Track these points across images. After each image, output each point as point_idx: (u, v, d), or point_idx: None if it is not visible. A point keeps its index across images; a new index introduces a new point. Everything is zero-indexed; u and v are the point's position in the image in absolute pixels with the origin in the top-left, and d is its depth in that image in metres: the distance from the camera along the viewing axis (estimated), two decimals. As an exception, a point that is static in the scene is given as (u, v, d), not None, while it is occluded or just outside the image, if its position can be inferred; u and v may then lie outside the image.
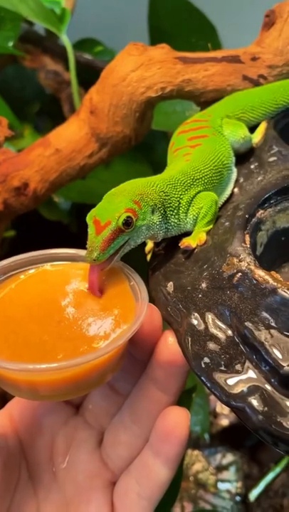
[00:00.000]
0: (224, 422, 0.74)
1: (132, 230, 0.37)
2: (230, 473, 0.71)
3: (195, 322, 0.34)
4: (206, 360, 0.32)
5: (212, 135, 0.45)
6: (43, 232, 0.86)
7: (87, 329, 0.34)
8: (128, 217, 0.36)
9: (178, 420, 0.36)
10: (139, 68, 0.50)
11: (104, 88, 0.51)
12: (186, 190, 0.40)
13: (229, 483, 0.70)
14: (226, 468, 0.71)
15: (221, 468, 0.71)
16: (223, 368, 0.31)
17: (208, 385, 0.31)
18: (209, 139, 0.44)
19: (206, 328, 0.33)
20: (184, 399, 0.36)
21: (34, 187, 0.54)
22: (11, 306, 0.35)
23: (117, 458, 0.39)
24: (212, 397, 0.74)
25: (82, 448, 0.40)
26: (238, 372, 0.31)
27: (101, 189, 0.75)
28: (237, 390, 0.30)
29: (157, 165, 0.85)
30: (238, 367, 0.31)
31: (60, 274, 0.38)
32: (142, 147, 0.82)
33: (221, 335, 0.33)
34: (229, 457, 0.72)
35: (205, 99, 0.51)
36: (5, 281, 0.37)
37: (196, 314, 0.34)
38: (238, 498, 0.69)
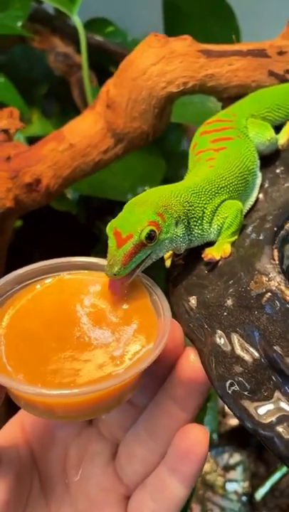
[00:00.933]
0: (232, 421, 0.74)
1: (154, 244, 0.35)
2: (237, 473, 0.71)
3: (220, 342, 0.33)
4: (232, 383, 0.31)
5: (237, 137, 0.43)
6: (50, 223, 0.85)
7: (108, 347, 0.33)
8: (151, 230, 0.35)
9: (197, 438, 0.36)
10: (160, 61, 0.48)
11: (123, 81, 0.49)
12: (211, 199, 0.39)
13: (236, 483, 0.70)
14: (233, 468, 0.71)
15: (228, 468, 0.71)
16: (249, 394, 0.30)
17: (235, 410, 0.30)
18: (234, 142, 0.43)
19: (232, 349, 0.32)
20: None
21: (47, 183, 0.52)
22: (27, 319, 0.34)
23: (132, 472, 0.39)
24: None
25: (96, 460, 0.39)
26: (265, 399, 0.30)
27: (113, 181, 0.74)
28: (266, 420, 0.29)
29: (170, 154, 0.83)
30: (265, 393, 0.30)
31: (79, 284, 0.37)
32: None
33: (247, 357, 0.32)
34: (236, 457, 0.72)
35: (228, 95, 0.50)
36: (20, 291, 0.36)
37: (221, 334, 0.33)
38: (244, 498, 0.70)
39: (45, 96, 0.94)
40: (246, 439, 0.74)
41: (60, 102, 0.93)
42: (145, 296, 0.36)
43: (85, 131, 0.52)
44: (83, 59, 0.79)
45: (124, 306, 0.35)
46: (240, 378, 0.31)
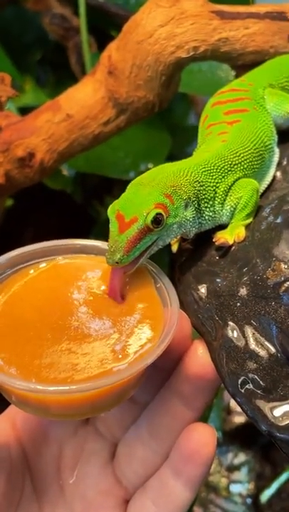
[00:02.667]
0: (238, 419, 0.73)
1: (161, 228, 0.34)
2: (241, 474, 0.71)
3: (232, 336, 0.32)
4: (245, 381, 0.30)
5: (253, 109, 0.42)
6: (43, 202, 0.84)
7: (109, 339, 0.32)
8: (158, 214, 0.33)
9: (203, 439, 0.35)
10: (169, 23, 0.46)
11: (127, 45, 0.47)
12: (223, 177, 0.37)
13: (241, 485, 0.70)
14: (237, 468, 0.71)
15: (232, 469, 0.71)
16: (264, 392, 0.30)
17: (248, 410, 0.29)
18: (249, 115, 0.41)
19: (246, 343, 0.31)
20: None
21: (41, 158, 0.51)
22: (20, 307, 0.33)
23: (132, 474, 0.38)
24: (226, 392, 0.73)
25: (93, 461, 0.39)
26: (282, 398, 0.29)
27: (112, 157, 0.72)
28: (282, 422, 0.28)
29: (175, 128, 0.81)
30: (282, 392, 0.29)
31: (76, 270, 0.36)
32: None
33: (262, 353, 0.31)
34: (241, 457, 0.72)
35: (243, 62, 0.48)
36: (12, 276, 0.35)
37: (233, 326, 0.32)
38: (248, 501, 0.70)
39: (39, 63, 0.92)
40: (252, 437, 0.74)
41: (56, 70, 0.91)
42: (150, 284, 0.35)
43: (84, 101, 0.51)
44: (82, 22, 0.77)
45: (127, 295, 0.34)
46: (254, 375, 0.30)
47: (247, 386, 0.30)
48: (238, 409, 0.75)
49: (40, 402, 0.31)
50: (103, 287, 0.35)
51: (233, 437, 0.72)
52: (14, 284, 0.34)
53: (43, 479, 0.39)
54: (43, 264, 0.36)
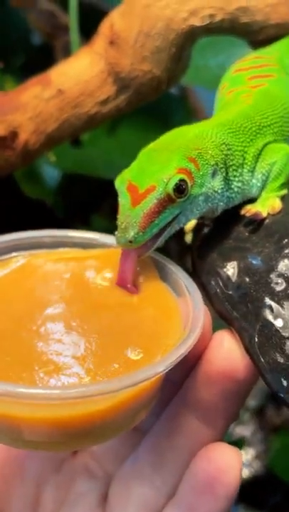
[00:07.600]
0: (244, 472, 0.67)
1: (185, 199, 0.30)
2: None
3: (272, 318, 0.27)
4: (291, 373, 0.26)
5: (280, 75, 0.40)
6: (19, 214, 0.80)
7: (117, 337, 0.27)
8: (181, 180, 0.30)
9: (227, 462, 0.29)
10: (182, -15, 0.44)
11: (133, 10, 0.45)
12: (252, 140, 0.34)
13: None
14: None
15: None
16: None
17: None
18: (277, 80, 0.39)
19: (291, 326, 0.27)
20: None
21: (25, 139, 0.47)
22: None
23: None
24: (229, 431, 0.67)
25: (80, 506, 0.33)
26: None
27: (103, 160, 0.69)
28: None
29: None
30: None
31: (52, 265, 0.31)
32: (155, 113, 0.77)
33: (312, 337, 0.26)
34: (249, 519, 0.65)
35: (265, 37, 0.46)
36: None
37: (275, 307, 0.28)
38: None
39: (22, 68, 0.91)
40: (261, 496, 0.68)
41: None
42: (152, 269, 0.31)
43: (79, 75, 0.48)
44: (72, 19, 0.76)
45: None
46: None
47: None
48: (244, 460, 0.68)
49: (9, 422, 0.25)
50: (92, 281, 0.30)
51: (239, 493, 0.65)
52: None
53: None
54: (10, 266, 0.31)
